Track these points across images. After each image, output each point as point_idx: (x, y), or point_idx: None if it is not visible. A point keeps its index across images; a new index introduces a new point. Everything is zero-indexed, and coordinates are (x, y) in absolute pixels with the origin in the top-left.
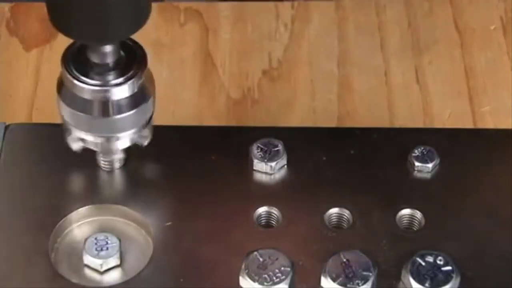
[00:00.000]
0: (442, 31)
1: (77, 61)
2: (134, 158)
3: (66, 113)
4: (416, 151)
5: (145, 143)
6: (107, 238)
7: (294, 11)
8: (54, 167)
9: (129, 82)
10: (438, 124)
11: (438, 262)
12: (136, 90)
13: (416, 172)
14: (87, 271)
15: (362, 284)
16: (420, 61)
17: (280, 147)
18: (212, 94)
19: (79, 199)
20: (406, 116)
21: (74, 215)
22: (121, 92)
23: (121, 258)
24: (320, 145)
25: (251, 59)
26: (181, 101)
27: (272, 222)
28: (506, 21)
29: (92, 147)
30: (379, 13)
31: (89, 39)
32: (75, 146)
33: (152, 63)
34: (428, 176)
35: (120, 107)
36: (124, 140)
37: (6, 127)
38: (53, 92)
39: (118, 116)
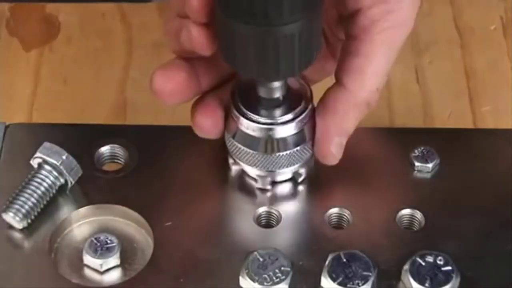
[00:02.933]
0: (442, 31)
1: (244, 96)
2: (134, 158)
3: (230, 144)
4: (416, 151)
5: (299, 179)
6: (107, 238)
7: None
8: None
9: (297, 120)
10: (438, 124)
11: (438, 262)
12: (300, 128)
13: (416, 172)
14: (87, 271)
15: (362, 284)
16: (420, 61)
17: None
18: None
19: (79, 199)
20: (406, 116)
21: (74, 215)
22: (287, 130)
23: (121, 258)
24: None
25: None
26: None
27: (272, 222)
28: (506, 21)
29: (250, 175)
30: None
31: (260, 77)
32: (234, 172)
33: (152, 63)
34: (428, 176)
35: (282, 144)
36: (281, 176)
37: (6, 127)
38: (53, 92)
39: (279, 154)
